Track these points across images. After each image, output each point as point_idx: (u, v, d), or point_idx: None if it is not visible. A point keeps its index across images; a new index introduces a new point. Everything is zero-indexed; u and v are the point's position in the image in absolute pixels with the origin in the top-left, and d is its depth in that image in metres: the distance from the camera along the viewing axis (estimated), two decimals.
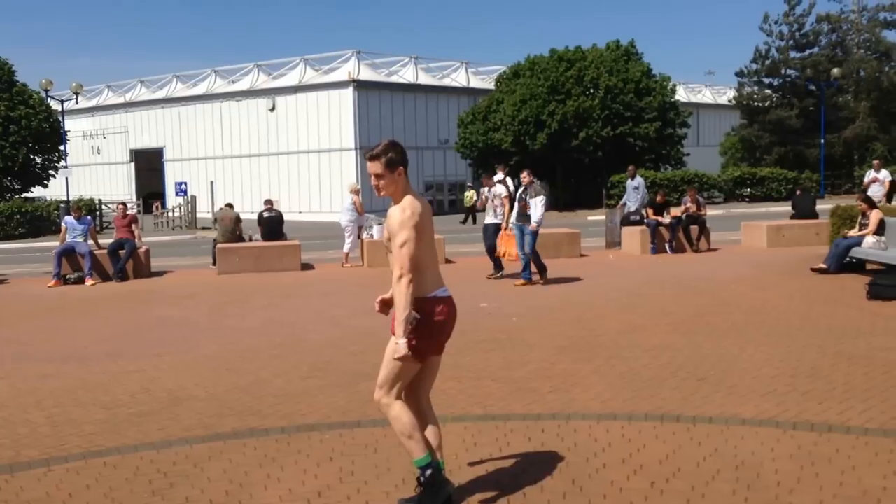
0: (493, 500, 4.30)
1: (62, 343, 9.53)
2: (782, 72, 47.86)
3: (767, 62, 47.71)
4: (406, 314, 3.91)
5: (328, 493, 4.50)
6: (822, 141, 43.03)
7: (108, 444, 5.49)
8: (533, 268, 13.09)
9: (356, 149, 43.80)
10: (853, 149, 46.08)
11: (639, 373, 6.97)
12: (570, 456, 4.95)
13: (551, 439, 5.29)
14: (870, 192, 17.69)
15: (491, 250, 13.83)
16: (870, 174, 19.41)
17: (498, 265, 13.84)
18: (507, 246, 13.22)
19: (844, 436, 5.18)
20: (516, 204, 12.97)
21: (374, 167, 4.05)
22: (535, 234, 12.77)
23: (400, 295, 3.92)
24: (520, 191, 13.01)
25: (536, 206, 12.62)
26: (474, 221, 33.16)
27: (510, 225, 13.13)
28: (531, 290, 12.47)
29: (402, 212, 4.00)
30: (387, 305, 4.28)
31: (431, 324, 4.04)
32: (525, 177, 13.02)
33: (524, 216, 12.75)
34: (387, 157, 4.04)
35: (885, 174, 19.03)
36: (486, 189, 14.06)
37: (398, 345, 3.93)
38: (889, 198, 18.61)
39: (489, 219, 13.91)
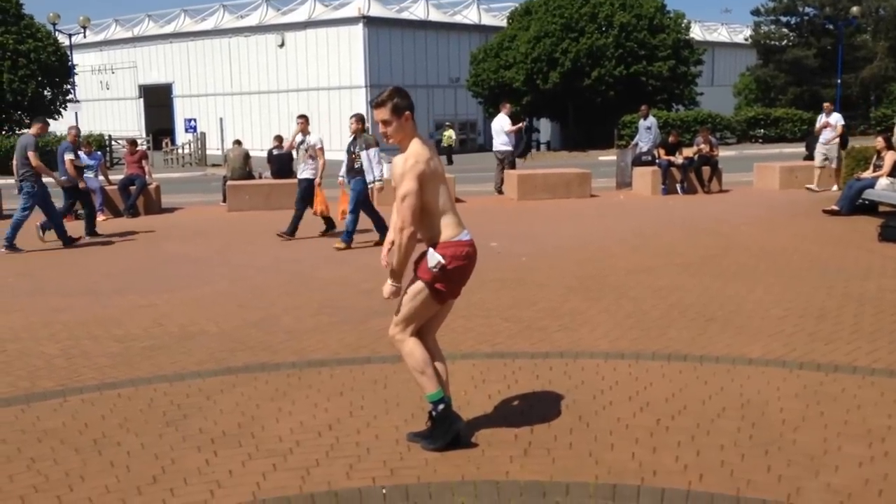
0: (501, 435, 4.37)
1: (75, 277, 9.61)
2: (800, 10, 46.91)
3: (785, 0, 46.73)
4: (403, 268, 4.00)
5: (338, 426, 4.57)
6: (839, 81, 42.37)
7: (122, 377, 5.58)
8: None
9: (366, 86, 43.38)
10: (870, 89, 45.42)
11: (647, 313, 7.01)
12: (578, 393, 5.01)
13: (559, 377, 5.35)
14: (821, 139, 16.62)
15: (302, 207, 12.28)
16: (821, 118, 17.50)
17: (329, 223, 12.48)
18: (320, 203, 11.96)
19: (851, 376, 5.22)
20: (346, 157, 11.33)
21: (381, 114, 4.00)
22: (361, 192, 11.12)
23: (399, 247, 3.96)
24: (349, 142, 11.37)
25: (372, 160, 10.92)
26: (451, 162, 33.07)
27: (341, 179, 11.72)
28: (545, 229, 12.45)
29: (405, 161, 3.96)
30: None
31: (455, 268, 4.06)
32: (353, 124, 11.18)
33: (353, 170, 11.14)
34: (393, 103, 3.99)
35: (836, 118, 17.04)
36: (300, 134, 12.14)
37: (389, 285, 4.06)
38: (843, 144, 16.80)
39: (301, 172, 12.14)
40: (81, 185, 12.76)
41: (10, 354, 6.21)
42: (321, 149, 12.03)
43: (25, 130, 38.14)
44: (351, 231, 11.13)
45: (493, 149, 18.37)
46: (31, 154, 11.55)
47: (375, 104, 4.03)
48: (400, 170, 3.96)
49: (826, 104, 17.94)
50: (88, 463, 4.16)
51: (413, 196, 3.91)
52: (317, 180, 11.98)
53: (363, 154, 10.97)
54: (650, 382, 5.18)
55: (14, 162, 12.10)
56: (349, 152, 11.25)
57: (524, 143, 18.54)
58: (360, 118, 11.24)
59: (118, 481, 3.93)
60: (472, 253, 4.15)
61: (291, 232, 12.07)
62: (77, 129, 13.66)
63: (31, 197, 11.75)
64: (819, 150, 16.82)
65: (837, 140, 16.65)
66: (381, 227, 11.14)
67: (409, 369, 4.19)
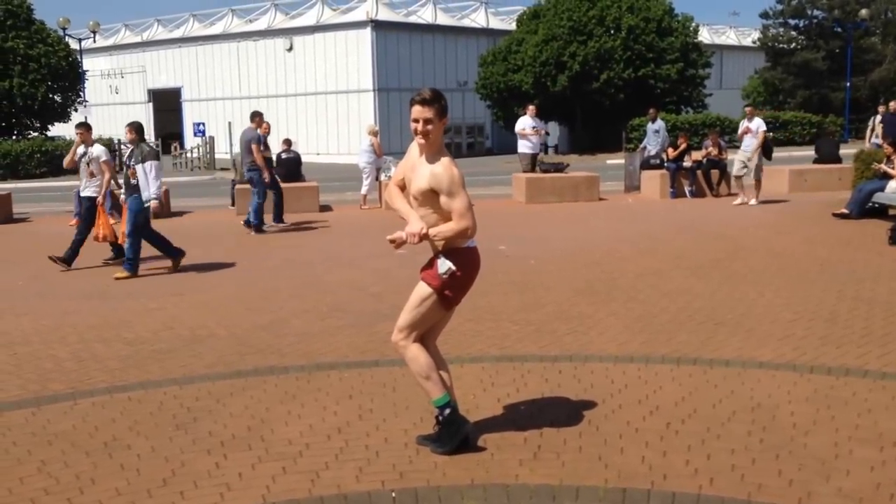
0: (510, 438, 4.36)
1: (84, 280, 9.64)
2: (808, 13, 46.79)
3: (794, 2, 46.61)
4: (439, 239, 3.98)
5: (348, 429, 4.57)
6: (848, 84, 42.22)
7: (132, 380, 5.59)
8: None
9: (374, 90, 43.42)
10: (879, 92, 45.22)
11: (656, 316, 6.99)
12: (587, 397, 5.00)
13: (568, 380, 5.34)
14: (743, 147, 15.30)
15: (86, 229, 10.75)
16: (743, 124, 15.62)
17: (118, 248, 10.64)
18: (102, 227, 10.37)
19: (861, 379, 5.19)
20: (124, 171, 9.98)
21: (426, 112, 3.93)
22: (139, 213, 9.65)
23: (452, 236, 3.96)
24: (126, 155, 10.16)
25: (148, 175, 9.49)
26: None
27: (123, 198, 10.04)
28: (554, 233, 12.44)
29: (449, 169, 3.95)
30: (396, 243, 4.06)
31: (466, 275, 4.07)
32: (128, 134, 9.82)
33: (130, 187, 9.72)
34: (440, 104, 3.97)
35: (757, 123, 15.27)
36: (82, 146, 10.53)
37: (412, 232, 3.94)
38: (767, 153, 15.32)
39: (84, 189, 10.63)
40: (266, 178, 13.19)
41: (21, 357, 6.24)
42: (106, 162, 10.43)
43: (36, 135, 38.51)
44: (132, 258, 9.71)
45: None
46: (253, 147, 12.79)
47: (421, 101, 3.95)
48: (448, 177, 3.93)
49: (748, 108, 16.33)
50: (99, 466, 4.17)
51: (469, 204, 3.97)
52: (99, 199, 10.38)
53: (139, 168, 9.55)
54: (660, 386, 5.17)
55: (239, 155, 14.28)
56: (126, 166, 9.87)
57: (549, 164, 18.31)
58: (135, 128, 9.82)
59: (128, 484, 3.94)
60: (479, 260, 4.16)
61: (69, 259, 10.36)
62: (268, 123, 14.47)
63: (260, 185, 12.96)
64: (738, 158, 15.43)
65: (759, 149, 15.11)
66: (170, 250, 10.08)
67: (414, 375, 4.19)
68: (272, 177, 13.46)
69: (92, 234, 10.46)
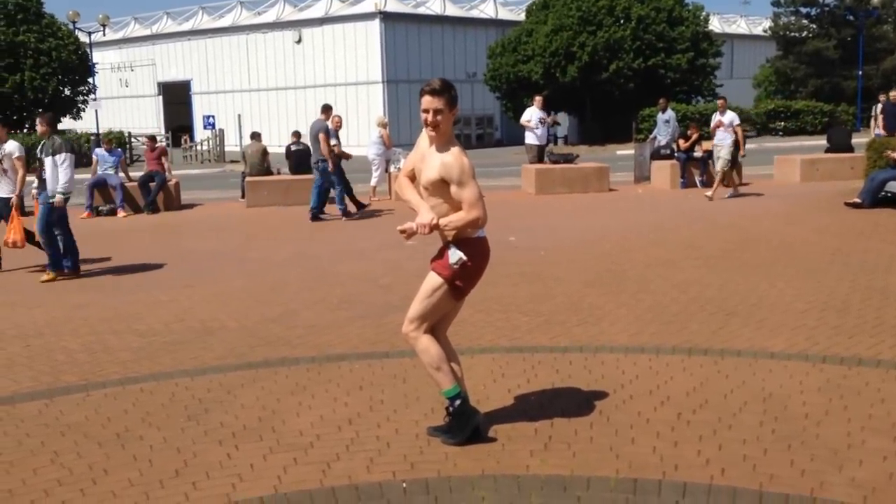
0: (521, 429, 4.36)
1: (93, 274, 9.67)
2: (820, 1, 46.45)
3: None
4: (449, 229, 3.98)
5: (358, 420, 4.58)
6: (860, 73, 41.92)
7: (144, 371, 5.61)
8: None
9: (383, 82, 43.40)
10: (892, 81, 44.89)
11: (667, 307, 6.97)
12: (598, 387, 4.99)
13: (578, 371, 5.33)
14: (716, 140, 14.93)
15: None
16: (715, 117, 15.18)
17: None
18: (14, 231, 9.52)
19: (874, 369, 5.16)
20: (48, 168, 9.10)
21: (436, 102, 3.92)
22: (51, 209, 9.07)
23: (463, 225, 3.96)
24: (38, 148, 9.37)
25: (59, 166, 8.96)
26: None
27: (34, 192, 9.42)
28: (564, 223, 12.41)
29: (459, 159, 3.94)
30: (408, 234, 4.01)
31: (476, 265, 4.07)
32: (40, 126, 9.27)
33: (42, 181, 9.20)
34: (450, 94, 3.95)
35: (730, 117, 14.80)
36: None
37: (423, 223, 3.93)
38: (738, 148, 14.82)
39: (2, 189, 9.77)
40: (331, 167, 13.57)
41: (34, 349, 6.27)
42: (19, 157, 9.55)
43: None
44: (53, 255, 9.26)
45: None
46: (321, 136, 13.21)
47: (430, 91, 3.94)
48: (458, 169, 3.92)
49: (720, 100, 15.69)
50: (112, 457, 4.19)
51: (479, 193, 3.97)
52: (13, 199, 9.60)
53: (47, 161, 9.05)
54: (671, 376, 5.16)
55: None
56: (38, 161, 9.31)
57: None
58: (47, 119, 9.34)
59: (141, 475, 3.96)
60: (489, 250, 4.16)
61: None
62: (339, 116, 15.14)
63: (336, 174, 13.53)
64: (716, 154, 15.16)
65: (731, 141, 14.76)
66: (56, 262, 9.33)
67: (425, 366, 4.19)
68: (337, 168, 13.75)
69: (7, 238, 9.65)
